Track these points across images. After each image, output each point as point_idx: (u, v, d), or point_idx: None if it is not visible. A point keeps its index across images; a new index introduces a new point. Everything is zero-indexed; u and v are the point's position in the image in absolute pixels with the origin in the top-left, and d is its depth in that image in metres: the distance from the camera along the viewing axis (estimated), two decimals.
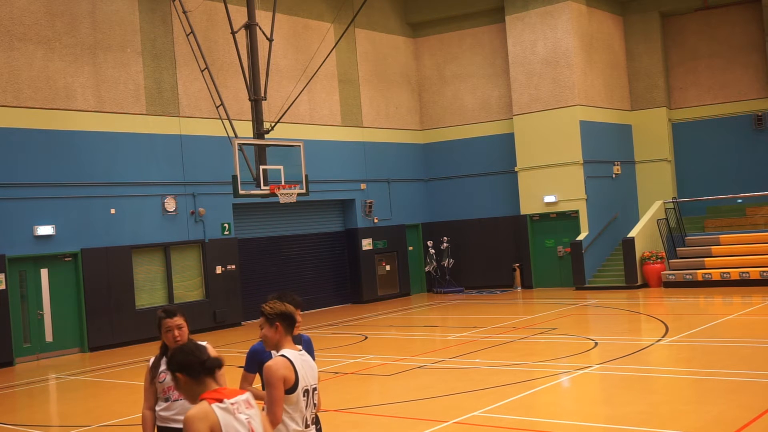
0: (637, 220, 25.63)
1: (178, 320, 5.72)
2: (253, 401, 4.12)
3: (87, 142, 18.72)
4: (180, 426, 5.50)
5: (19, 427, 11.15)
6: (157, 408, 5.75)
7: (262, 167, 19.03)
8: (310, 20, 24.05)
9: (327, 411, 10.61)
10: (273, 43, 20.55)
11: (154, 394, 5.75)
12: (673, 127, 26.57)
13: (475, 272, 26.53)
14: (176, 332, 5.71)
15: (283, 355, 4.83)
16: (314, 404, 4.96)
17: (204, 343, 5.83)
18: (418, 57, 27.58)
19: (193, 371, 3.96)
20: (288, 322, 4.89)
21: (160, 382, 5.70)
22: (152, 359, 5.86)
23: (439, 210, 27.33)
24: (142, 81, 19.85)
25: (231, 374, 6.33)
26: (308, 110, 23.70)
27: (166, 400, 5.68)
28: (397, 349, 15.76)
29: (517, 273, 25.64)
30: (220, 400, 3.87)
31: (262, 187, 18.96)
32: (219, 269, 21.03)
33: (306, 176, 19.86)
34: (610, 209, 25.33)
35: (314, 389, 4.94)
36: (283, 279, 23.31)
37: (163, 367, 5.75)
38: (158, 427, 5.76)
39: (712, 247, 23.34)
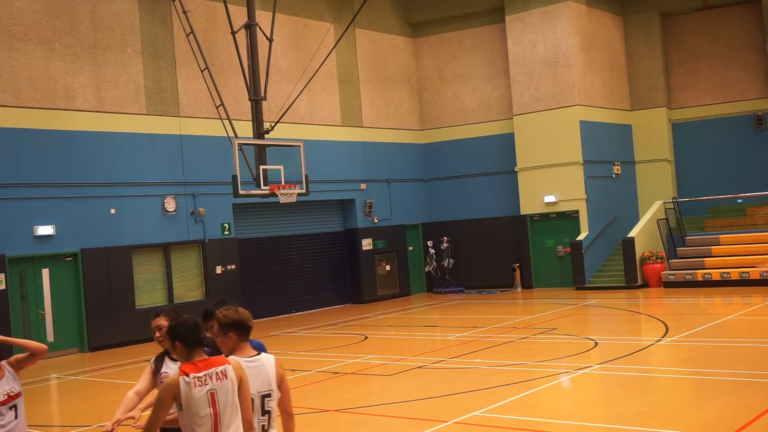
0: (637, 220, 25.62)
1: (159, 321, 5.92)
2: (230, 372, 4.65)
3: (87, 142, 18.72)
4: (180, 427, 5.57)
5: None
6: None
7: (262, 167, 19.03)
8: (310, 20, 24.05)
9: (327, 411, 10.62)
10: (273, 43, 20.55)
11: (149, 382, 5.81)
12: (673, 127, 26.57)
13: (475, 272, 26.52)
14: (157, 333, 5.92)
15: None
16: (267, 411, 4.94)
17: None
18: (418, 57, 27.58)
19: (189, 343, 4.70)
20: (242, 330, 4.98)
21: (162, 382, 5.72)
22: (156, 356, 5.99)
23: (439, 210, 27.33)
24: (142, 81, 19.84)
25: None
26: (308, 110, 23.70)
27: None
28: (397, 349, 15.76)
29: (517, 273, 25.64)
30: (187, 374, 4.57)
31: (262, 187, 18.96)
32: (219, 269, 21.03)
33: (306, 176, 19.86)
34: (610, 209, 25.33)
35: (265, 396, 4.94)
36: (283, 279, 23.32)
37: (165, 367, 5.81)
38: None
39: (712, 247, 23.34)
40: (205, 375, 4.60)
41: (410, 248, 26.89)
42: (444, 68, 27.10)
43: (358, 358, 14.70)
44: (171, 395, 4.57)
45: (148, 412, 5.63)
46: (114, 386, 13.94)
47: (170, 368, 5.80)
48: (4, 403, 5.51)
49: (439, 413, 9.91)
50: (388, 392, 11.76)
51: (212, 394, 4.58)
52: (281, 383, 5.04)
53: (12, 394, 5.61)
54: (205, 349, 4.82)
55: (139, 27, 19.91)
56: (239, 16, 20.81)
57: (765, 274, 21.30)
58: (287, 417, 5.15)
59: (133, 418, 5.36)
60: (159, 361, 5.88)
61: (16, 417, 5.57)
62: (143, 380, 5.83)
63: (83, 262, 18.45)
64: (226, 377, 4.64)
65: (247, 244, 22.44)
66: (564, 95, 24.39)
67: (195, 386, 4.55)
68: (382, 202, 25.70)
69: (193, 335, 4.70)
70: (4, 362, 5.76)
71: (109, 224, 18.97)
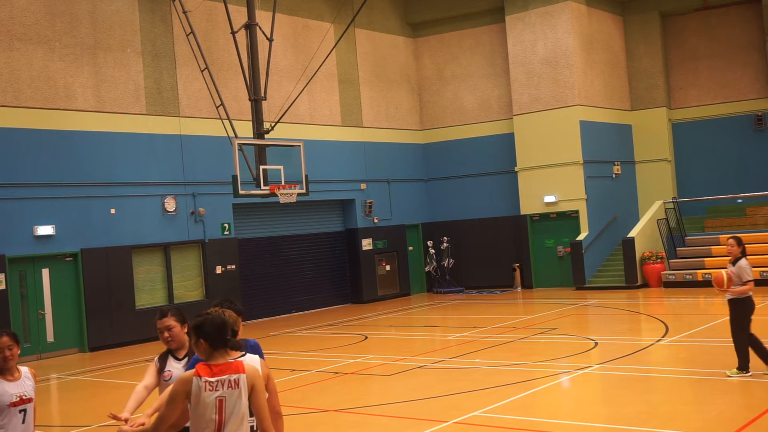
0: (637, 220, 25.62)
1: (167, 321, 5.82)
2: (242, 382, 4.57)
3: (87, 142, 18.72)
4: (186, 425, 5.56)
5: None
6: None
7: (262, 167, 19.03)
8: (310, 20, 24.05)
9: (327, 411, 10.63)
10: (273, 43, 20.55)
11: (155, 378, 5.80)
12: (673, 127, 26.57)
13: (475, 272, 26.52)
14: (166, 333, 5.83)
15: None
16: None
17: None
18: (418, 57, 27.58)
19: (214, 343, 4.62)
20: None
21: (166, 381, 5.73)
22: (160, 354, 5.96)
23: (439, 210, 27.33)
24: (142, 81, 19.84)
25: None
26: (308, 110, 23.70)
27: None
28: (397, 349, 15.76)
29: (517, 273, 25.64)
30: (200, 376, 4.52)
31: (262, 187, 18.96)
32: (219, 269, 21.03)
33: (306, 176, 19.86)
34: (610, 209, 25.33)
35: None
36: (283, 279, 23.32)
37: (168, 365, 5.80)
38: None
39: (712, 247, 23.33)
40: (217, 381, 4.55)
41: (410, 248, 26.89)
42: (444, 68, 27.10)
43: (358, 358, 14.70)
44: (185, 391, 4.55)
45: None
46: (114, 386, 13.95)
47: (173, 367, 5.79)
48: (14, 404, 5.49)
49: (439, 413, 9.91)
50: (388, 392, 11.76)
51: (221, 402, 4.54)
52: (267, 383, 5.06)
53: (24, 397, 5.58)
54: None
55: (139, 27, 19.91)
56: (239, 16, 20.81)
57: (765, 273, 21.29)
58: (276, 416, 5.17)
59: (143, 425, 5.31)
60: (162, 360, 5.86)
61: (23, 422, 5.54)
62: (150, 376, 5.81)
63: (83, 262, 18.45)
64: (238, 386, 4.59)
65: (247, 244, 22.44)
66: (564, 95, 24.39)
67: (205, 390, 4.52)
68: (382, 202, 25.70)
69: (220, 335, 4.62)
70: (25, 367, 5.68)
71: (109, 224, 18.97)
